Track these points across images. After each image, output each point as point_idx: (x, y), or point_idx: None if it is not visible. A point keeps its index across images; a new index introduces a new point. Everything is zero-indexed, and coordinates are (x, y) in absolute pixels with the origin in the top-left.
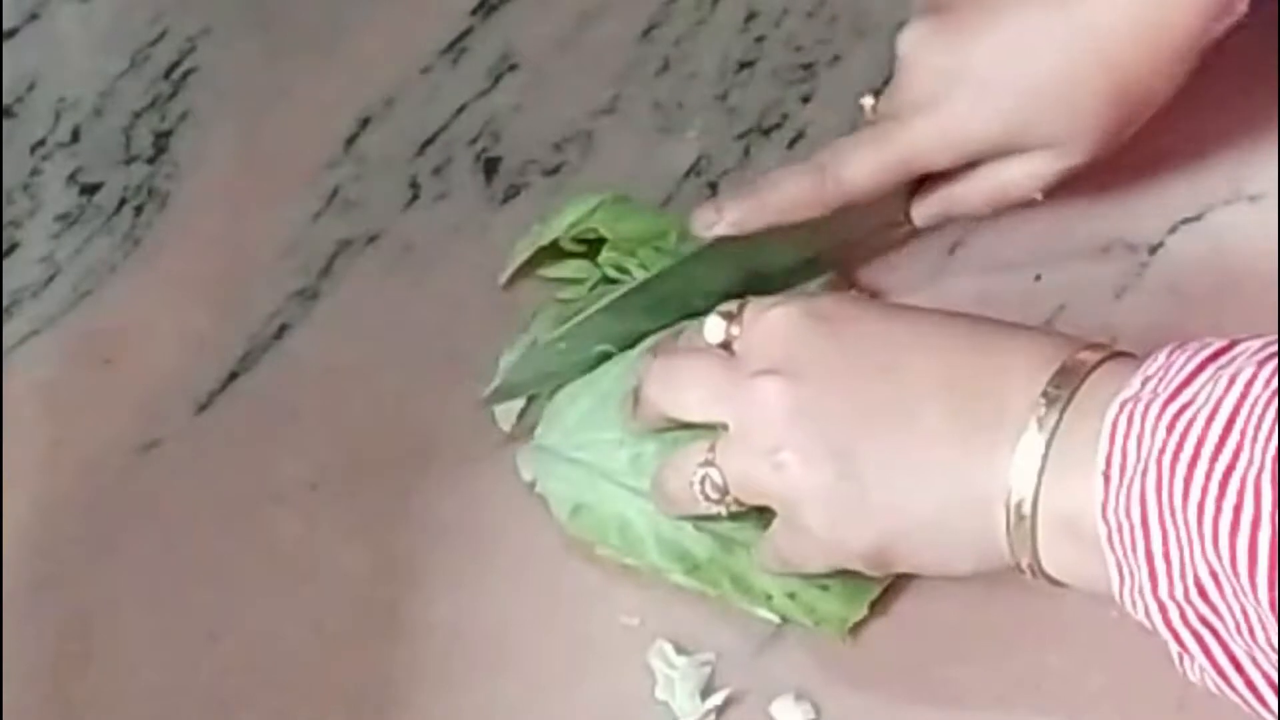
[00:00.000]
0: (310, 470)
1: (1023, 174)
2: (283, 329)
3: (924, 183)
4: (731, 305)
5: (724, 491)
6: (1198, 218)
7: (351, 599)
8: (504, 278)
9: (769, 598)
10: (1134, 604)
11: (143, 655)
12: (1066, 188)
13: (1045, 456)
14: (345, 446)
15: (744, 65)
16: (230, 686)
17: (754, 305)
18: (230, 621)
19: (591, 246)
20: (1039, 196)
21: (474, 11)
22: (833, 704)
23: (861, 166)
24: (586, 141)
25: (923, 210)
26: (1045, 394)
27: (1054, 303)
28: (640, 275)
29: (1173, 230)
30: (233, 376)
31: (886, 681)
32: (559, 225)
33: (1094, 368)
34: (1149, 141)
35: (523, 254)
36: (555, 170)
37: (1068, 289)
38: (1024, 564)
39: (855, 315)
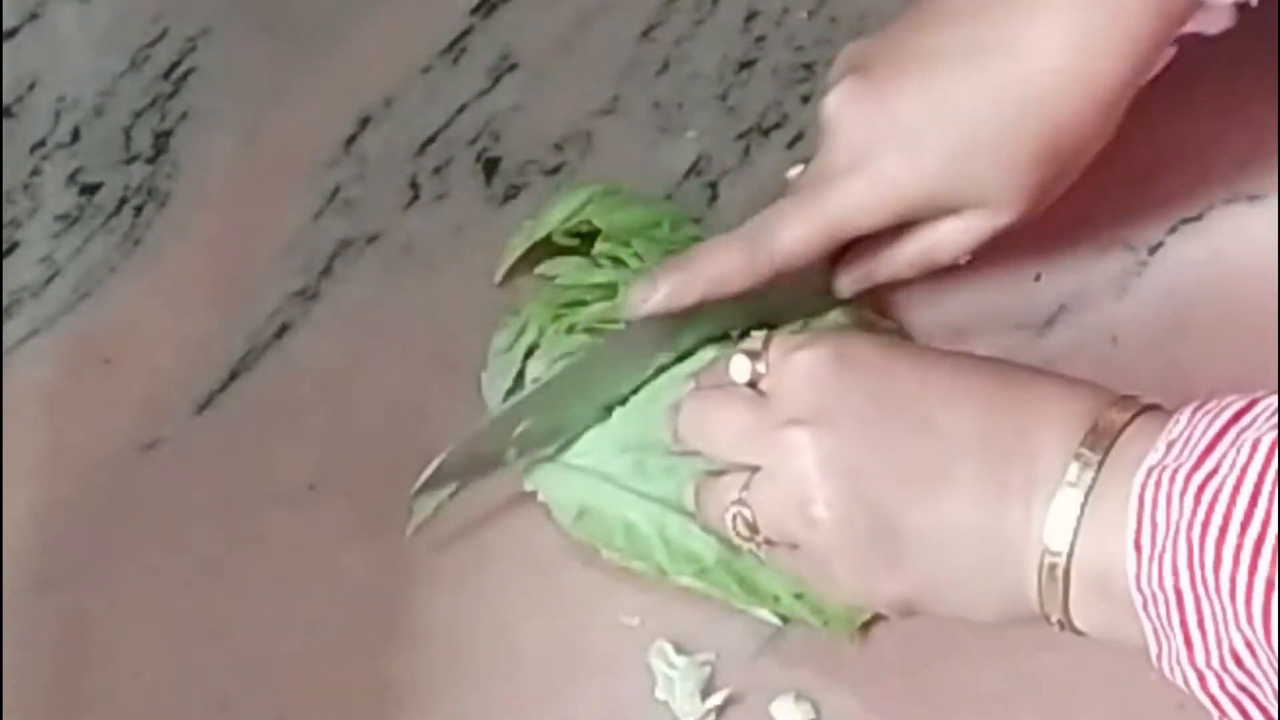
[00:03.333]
0: (310, 470)
1: (951, 236)
2: (283, 329)
3: (845, 252)
4: (756, 342)
5: (755, 530)
6: (1198, 218)
7: (351, 599)
8: (499, 275)
9: (776, 599)
10: (1171, 670)
11: (143, 655)
12: (1067, 187)
13: (1080, 517)
14: (345, 446)
15: (744, 65)
16: (230, 686)
17: (779, 344)
18: (230, 621)
19: (585, 239)
20: (965, 259)
21: (474, 11)
22: (833, 704)
23: (793, 232)
24: (586, 141)
25: (846, 280)
26: (1078, 455)
27: (1054, 303)
28: (635, 265)
29: (1173, 230)
30: (233, 376)
31: (886, 681)
32: (551, 220)
33: (1125, 426)
34: (1149, 141)
35: (517, 250)
36: (555, 170)
37: (1068, 289)
38: (1054, 619)
39: (884, 361)
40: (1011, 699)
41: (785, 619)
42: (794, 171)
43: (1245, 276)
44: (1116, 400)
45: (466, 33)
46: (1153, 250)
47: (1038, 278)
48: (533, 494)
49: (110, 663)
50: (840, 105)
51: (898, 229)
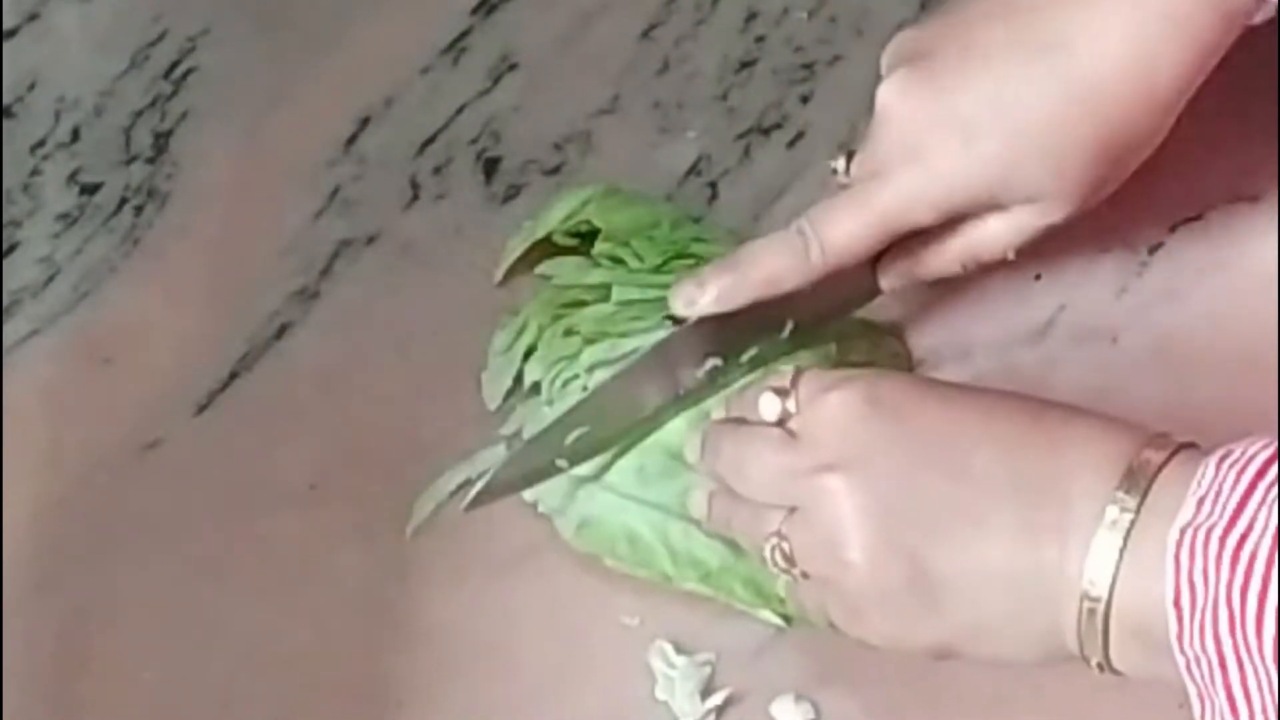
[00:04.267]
0: (310, 470)
1: (1000, 232)
2: (283, 329)
3: (891, 246)
4: (785, 379)
5: (793, 563)
6: (1198, 218)
7: (351, 599)
8: (499, 275)
9: (782, 600)
10: None
11: (143, 655)
12: None
13: (1119, 561)
14: (345, 446)
15: (744, 65)
16: (230, 686)
17: (808, 383)
18: (230, 621)
19: (585, 239)
20: (1011, 255)
21: (474, 11)
22: (833, 704)
23: (844, 229)
24: (586, 141)
25: (890, 277)
26: (1115, 498)
27: (1054, 303)
28: (634, 265)
29: (1173, 230)
30: (233, 376)
31: (886, 681)
32: (551, 219)
33: (1161, 467)
34: None
35: (516, 250)
36: (555, 170)
37: (1068, 289)
38: (1094, 661)
39: (915, 403)
40: (1012, 700)
41: (789, 620)
42: (838, 162)
43: (1245, 276)
44: (1151, 439)
45: (466, 33)
46: (1153, 250)
47: (1038, 278)
48: (535, 511)
49: (110, 663)
50: (895, 96)
51: (945, 223)
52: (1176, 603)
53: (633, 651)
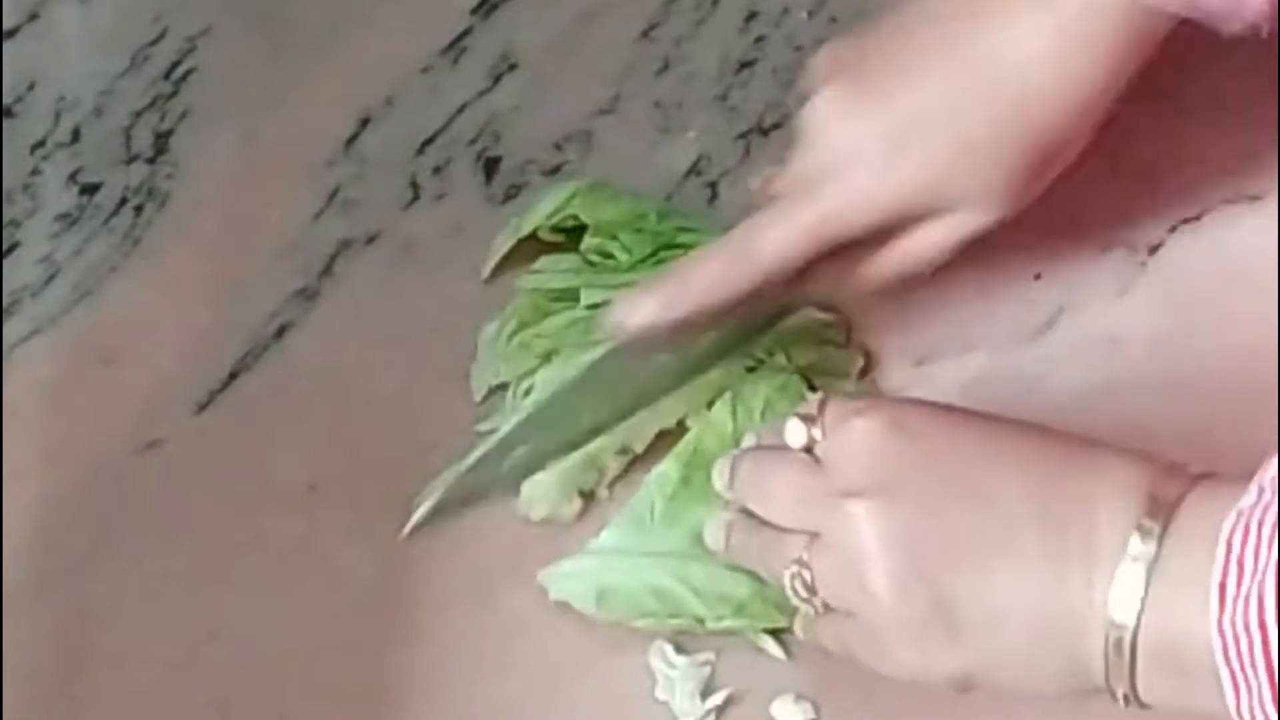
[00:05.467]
0: (310, 470)
1: (931, 240)
2: (283, 329)
3: (821, 262)
4: (811, 406)
5: (813, 592)
6: (1198, 218)
7: (351, 599)
8: (486, 271)
9: None
10: (1253, 714)
11: (143, 655)
12: (1067, 188)
13: (1145, 589)
14: (345, 446)
15: (744, 65)
16: (230, 686)
17: (834, 409)
18: (230, 621)
19: (572, 235)
20: (938, 264)
21: (474, 11)
22: (833, 704)
23: (776, 238)
24: (586, 141)
25: (820, 283)
26: (1140, 525)
27: (1054, 303)
28: (624, 258)
29: (1173, 230)
30: (233, 376)
31: (886, 681)
32: (538, 215)
33: (1183, 495)
34: (1149, 141)
35: (504, 247)
36: (555, 170)
37: (1068, 289)
38: (1120, 693)
39: (939, 430)
40: (1012, 698)
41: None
42: (754, 183)
43: (1245, 276)
44: (1171, 469)
45: (466, 33)
46: (1153, 250)
47: (1038, 277)
48: (546, 599)
49: (110, 663)
50: (823, 113)
51: (877, 235)
52: (1222, 584)
53: (633, 652)
